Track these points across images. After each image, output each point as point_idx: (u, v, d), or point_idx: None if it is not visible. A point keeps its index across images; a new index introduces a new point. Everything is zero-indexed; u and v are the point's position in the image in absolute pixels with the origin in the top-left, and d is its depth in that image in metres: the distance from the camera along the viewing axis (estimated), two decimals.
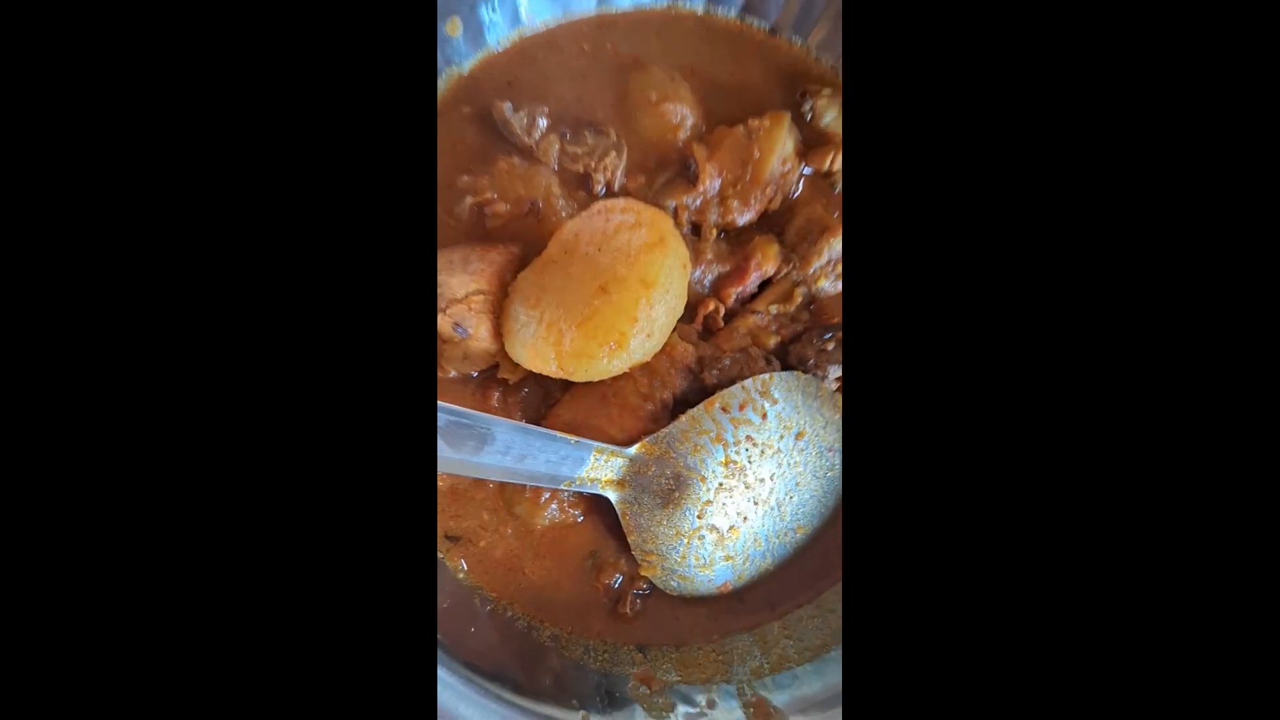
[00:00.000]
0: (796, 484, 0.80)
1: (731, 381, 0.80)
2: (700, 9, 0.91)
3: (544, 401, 0.83)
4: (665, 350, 0.80)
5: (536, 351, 0.75)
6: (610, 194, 0.85)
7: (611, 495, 0.79)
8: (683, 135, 0.87)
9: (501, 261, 0.79)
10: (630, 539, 0.79)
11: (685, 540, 0.78)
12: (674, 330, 0.80)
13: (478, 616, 0.79)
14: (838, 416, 0.81)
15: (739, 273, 0.84)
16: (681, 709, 0.74)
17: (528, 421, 0.79)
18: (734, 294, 0.84)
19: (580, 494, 0.81)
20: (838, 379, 0.82)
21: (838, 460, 0.82)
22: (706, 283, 0.84)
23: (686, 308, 0.80)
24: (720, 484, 0.78)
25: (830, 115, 0.87)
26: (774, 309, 0.84)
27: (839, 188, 0.87)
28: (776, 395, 0.79)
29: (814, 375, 0.81)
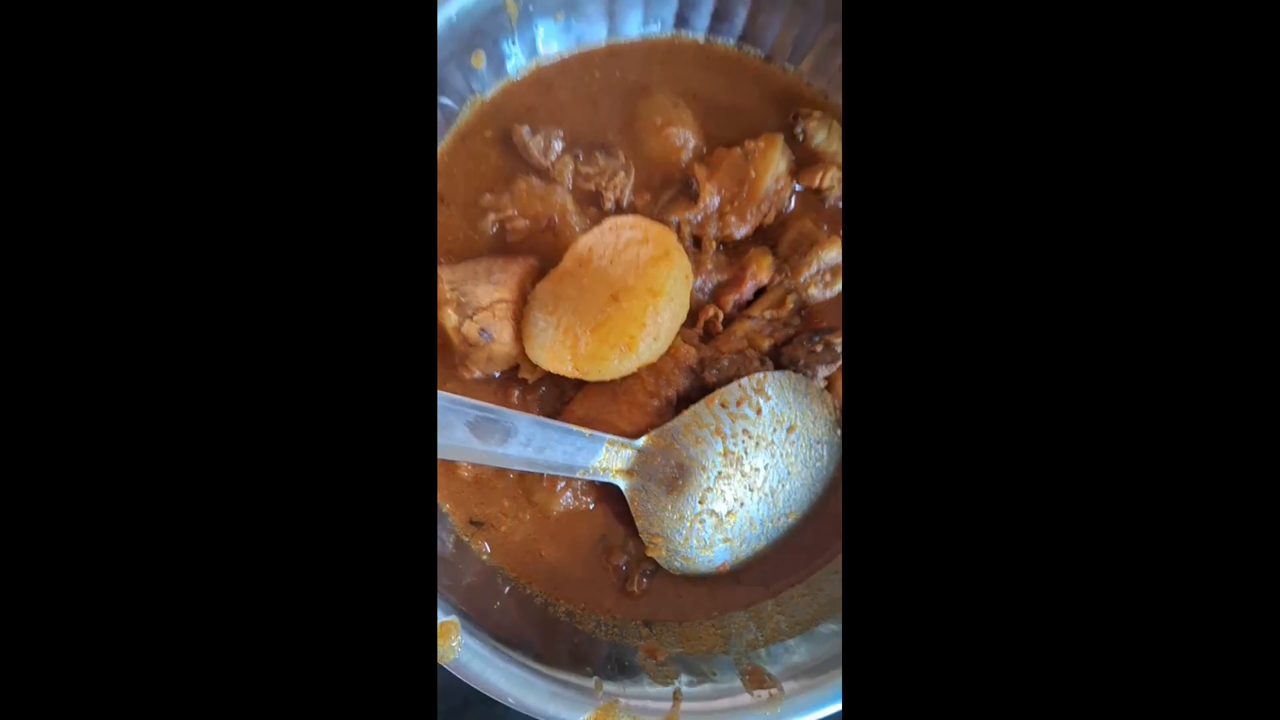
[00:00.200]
0: (788, 473, 0.85)
1: (730, 380, 0.84)
2: (701, 38, 0.95)
3: (559, 398, 0.87)
4: (670, 352, 0.84)
5: (554, 354, 0.80)
6: (619, 211, 0.89)
7: (621, 483, 0.83)
8: (685, 156, 0.91)
9: (521, 272, 0.84)
10: (638, 523, 0.84)
11: (688, 524, 0.83)
12: (678, 334, 0.84)
13: (500, 594, 0.84)
14: (826, 412, 0.86)
15: (736, 281, 0.88)
16: (684, 676, 0.79)
17: (545, 417, 0.83)
18: (732, 301, 0.88)
19: (592, 483, 0.86)
20: (826, 378, 0.86)
21: (825, 451, 0.86)
22: (707, 290, 0.88)
23: (689, 313, 0.84)
24: (720, 473, 0.83)
25: (820, 136, 0.91)
26: (768, 314, 0.88)
27: (828, 203, 0.91)
28: (770, 392, 0.84)
29: (804, 374, 0.85)
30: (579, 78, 0.93)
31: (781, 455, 0.85)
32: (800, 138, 0.92)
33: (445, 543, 0.84)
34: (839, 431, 0.87)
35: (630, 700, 0.76)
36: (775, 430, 0.84)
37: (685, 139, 0.91)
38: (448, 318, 0.82)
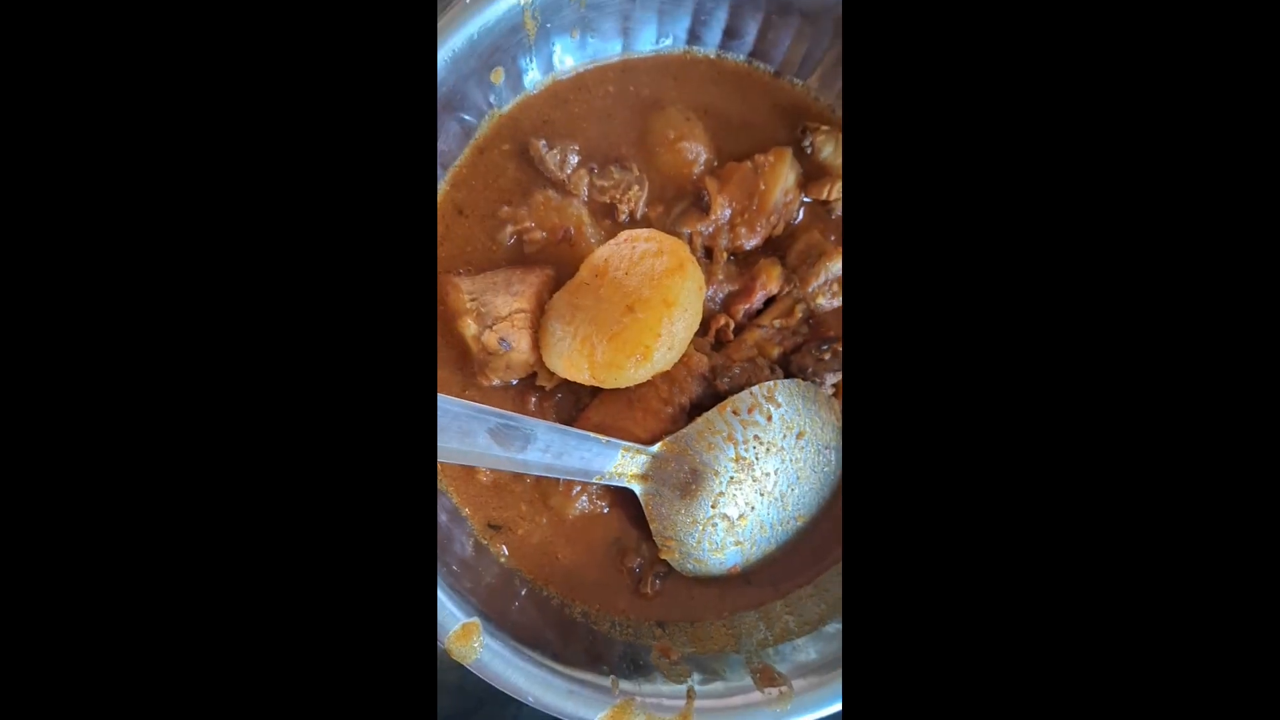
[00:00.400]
0: (797, 478, 0.87)
1: (741, 388, 0.86)
2: (713, 54, 0.97)
3: (575, 405, 0.89)
4: (683, 360, 0.85)
5: (571, 362, 0.82)
6: (633, 223, 0.91)
7: (636, 488, 0.86)
8: (697, 169, 0.93)
9: (539, 283, 0.86)
10: (652, 526, 0.86)
11: (700, 527, 0.85)
12: (690, 342, 0.85)
13: (518, 595, 0.86)
14: (833, 418, 0.88)
15: (746, 291, 0.90)
16: (696, 675, 0.81)
17: (561, 423, 0.85)
18: (742, 310, 0.90)
19: (607, 487, 0.88)
20: (834, 385, 0.88)
21: (833, 457, 0.88)
22: (718, 300, 0.90)
23: (700, 322, 0.85)
24: (731, 478, 0.85)
25: (828, 149, 0.93)
26: (777, 323, 0.90)
27: (835, 214, 0.93)
28: (780, 400, 0.86)
29: (813, 382, 0.88)
30: (594, 92, 0.95)
31: (791, 460, 0.87)
32: (808, 151, 0.94)
33: (465, 546, 0.87)
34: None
35: (645, 698, 0.78)
36: (785, 436, 0.87)
37: (697, 153, 0.93)
38: (467, 327, 0.84)
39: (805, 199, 0.94)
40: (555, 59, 0.93)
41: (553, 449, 0.81)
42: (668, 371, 0.86)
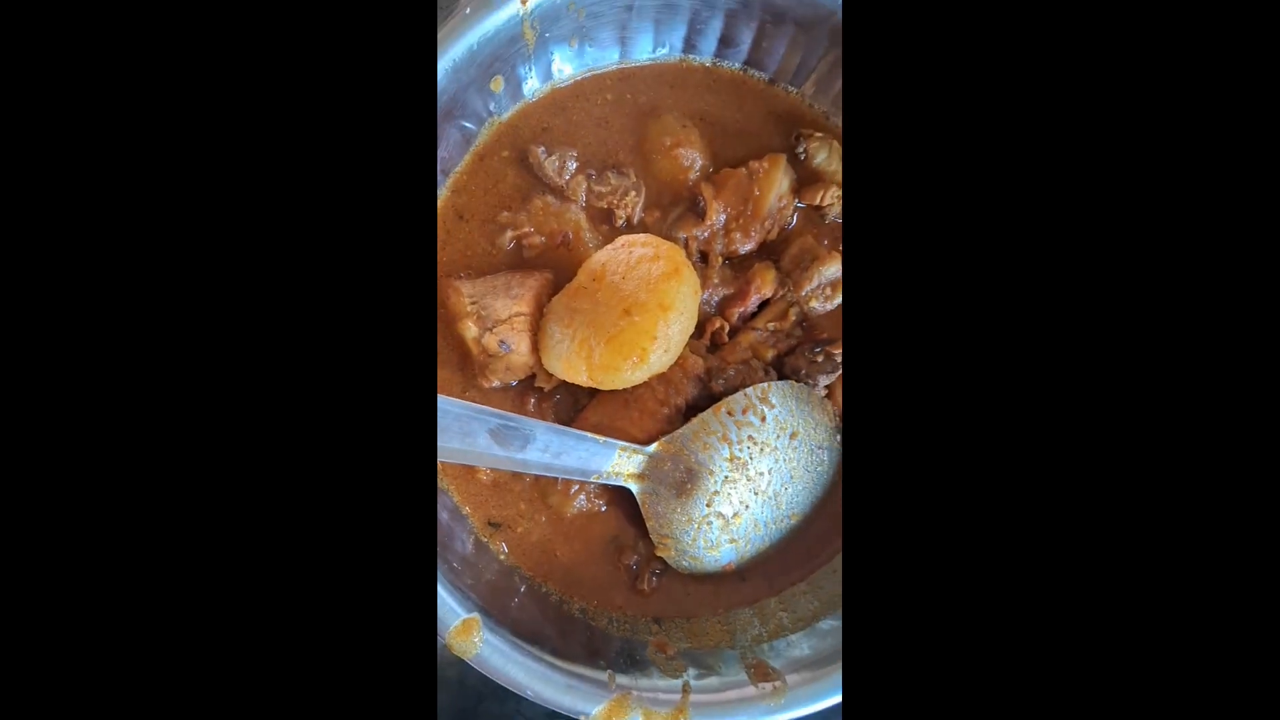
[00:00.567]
0: (791, 477, 0.89)
1: (735, 389, 0.88)
2: (708, 62, 0.98)
3: (573, 406, 0.90)
4: (678, 363, 0.87)
5: (570, 364, 0.83)
6: (630, 228, 0.93)
7: (633, 487, 0.87)
8: (693, 176, 0.94)
9: (538, 287, 0.88)
10: (649, 524, 0.87)
11: (696, 525, 0.87)
12: (686, 345, 0.87)
13: (517, 591, 0.87)
14: (826, 419, 0.90)
15: (741, 295, 0.91)
16: (692, 670, 0.82)
17: (559, 424, 0.86)
18: (737, 313, 0.91)
19: (605, 486, 0.89)
20: (827, 386, 0.90)
21: (826, 456, 0.90)
22: (713, 303, 0.92)
23: (696, 325, 0.87)
24: (726, 477, 0.87)
25: (821, 156, 0.94)
26: (771, 326, 0.92)
27: (829, 219, 0.95)
28: (774, 401, 0.87)
29: (806, 383, 0.89)
30: (592, 100, 0.97)
31: (785, 460, 0.89)
32: (802, 157, 0.95)
33: (465, 543, 0.88)
34: (838, 437, 0.91)
35: (642, 693, 0.79)
36: (779, 437, 0.88)
37: (693, 159, 0.95)
38: (468, 330, 0.86)
39: (799, 204, 0.95)
40: (554, 67, 0.94)
41: (551, 449, 0.83)
42: (664, 373, 0.87)
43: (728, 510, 0.88)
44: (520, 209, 0.93)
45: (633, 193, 0.93)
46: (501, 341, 0.86)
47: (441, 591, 0.79)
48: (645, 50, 0.97)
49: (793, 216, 0.95)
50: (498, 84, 0.90)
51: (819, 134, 0.96)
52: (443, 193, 0.93)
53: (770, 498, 0.89)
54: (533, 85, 0.95)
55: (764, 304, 0.93)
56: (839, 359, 0.90)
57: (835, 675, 0.80)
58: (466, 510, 0.91)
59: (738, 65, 0.99)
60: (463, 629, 0.78)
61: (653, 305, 0.82)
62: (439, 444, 0.77)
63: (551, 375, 0.88)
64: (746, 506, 0.89)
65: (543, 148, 0.92)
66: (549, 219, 0.92)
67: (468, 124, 0.92)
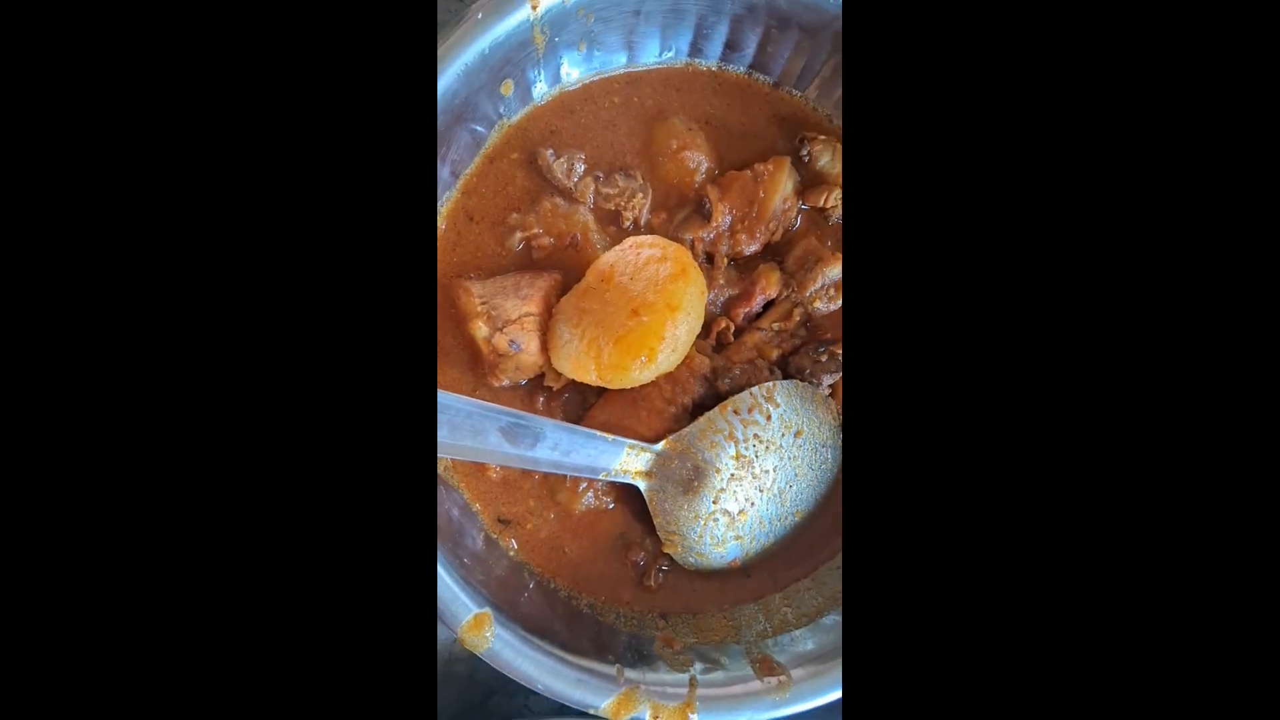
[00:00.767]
0: (795, 475, 0.90)
1: (741, 388, 0.89)
2: (714, 66, 0.99)
3: (581, 405, 0.91)
4: (685, 362, 0.88)
5: (579, 364, 0.84)
6: (637, 229, 0.93)
7: (641, 484, 0.88)
8: (699, 178, 0.95)
9: (547, 287, 0.89)
10: (656, 521, 0.89)
11: (702, 522, 0.88)
12: (692, 345, 0.88)
13: (526, 587, 0.88)
14: (830, 418, 0.91)
15: (746, 295, 0.93)
16: (698, 664, 0.83)
17: (567, 422, 0.87)
18: (742, 314, 0.92)
19: (612, 484, 0.90)
20: (830, 385, 0.91)
21: (830, 455, 0.91)
22: (719, 304, 0.93)
23: (702, 326, 0.88)
24: (732, 474, 0.88)
25: (825, 158, 0.95)
26: (776, 326, 0.93)
27: (833, 221, 0.95)
28: (779, 400, 0.89)
29: (810, 383, 0.90)
30: (600, 104, 0.97)
31: (789, 458, 0.90)
32: (806, 160, 0.96)
33: (476, 540, 0.89)
34: (841, 436, 0.93)
35: (650, 687, 0.80)
36: (784, 435, 0.90)
37: (699, 162, 0.96)
38: (479, 330, 0.87)
39: (803, 206, 0.96)
40: (563, 71, 0.95)
41: (561, 446, 0.84)
42: (671, 372, 0.88)
43: (733, 507, 0.89)
44: (529, 211, 0.93)
45: (640, 195, 0.94)
46: (511, 341, 0.87)
47: (454, 587, 0.80)
48: (652, 54, 0.98)
49: (797, 218, 0.96)
50: (508, 87, 0.91)
51: (823, 137, 0.96)
52: (453, 195, 0.94)
53: (775, 495, 0.90)
54: (541, 89, 0.95)
55: (769, 304, 0.94)
56: (842, 359, 0.91)
57: (839, 669, 0.81)
58: (477, 507, 0.92)
59: (743, 69, 1.00)
60: (475, 624, 0.79)
61: (661, 306, 0.84)
62: (451, 441, 0.78)
63: (560, 374, 0.89)
64: (752, 504, 0.90)
65: (551, 150, 0.94)
66: (557, 220, 0.93)
67: (478, 127, 0.93)
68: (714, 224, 0.93)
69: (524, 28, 0.86)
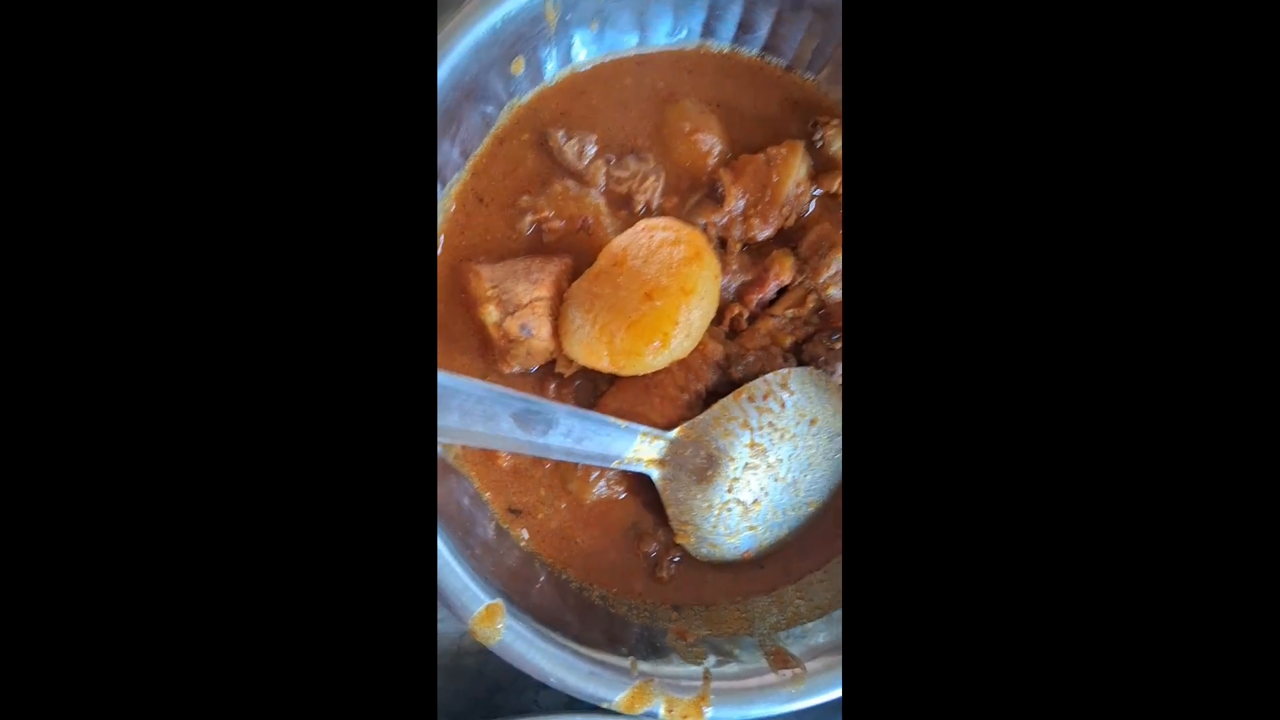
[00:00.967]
0: (809, 464, 0.89)
1: (754, 376, 0.87)
2: (726, 48, 0.98)
3: (593, 393, 0.90)
4: (698, 349, 0.86)
5: (591, 349, 0.83)
6: (649, 213, 0.92)
7: (653, 473, 0.87)
8: (712, 161, 0.94)
9: (558, 271, 0.87)
10: (669, 511, 0.87)
11: (716, 512, 0.87)
12: (705, 331, 0.87)
13: (538, 578, 0.87)
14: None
15: (759, 282, 0.91)
16: (712, 657, 0.82)
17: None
18: (756, 300, 0.91)
19: (624, 473, 0.89)
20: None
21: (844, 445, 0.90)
22: (732, 290, 0.92)
23: (715, 311, 0.87)
24: (746, 463, 0.86)
25: (839, 143, 0.94)
26: (790, 313, 0.91)
27: None
28: (794, 387, 0.87)
29: (824, 371, 0.89)
30: (611, 85, 0.96)
31: (804, 447, 0.89)
32: (819, 144, 0.95)
33: (487, 529, 0.88)
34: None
35: (663, 679, 0.79)
36: (799, 423, 0.88)
37: (712, 145, 0.94)
38: (489, 314, 0.85)
39: (816, 191, 0.95)
40: (574, 51, 0.94)
41: (574, 433, 0.82)
42: (684, 359, 0.87)
43: (747, 497, 0.88)
44: (540, 193, 0.92)
45: (652, 177, 0.92)
46: (522, 326, 0.85)
47: (465, 577, 0.78)
48: (663, 35, 0.96)
49: (810, 203, 0.95)
50: (519, 65, 0.89)
51: (835, 121, 0.95)
52: (463, 176, 0.92)
53: (789, 485, 0.89)
54: (552, 69, 0.94)
55: (783, 291, 0.93)
56: (842, 348, 0.90)
57: None
58: (487, 496, 0.90)
59: (755, 51, 0.99)
60: (486, 615, 0.77)
61: (674, 289, 0.82)
62: (463, 427, 0.76)
63: (571, 361, 0.87)
64: (766, 493, 0.88)
65: (562, 132, 0.92)
66: (568, 203, 0.91)
67: (488, 108, 0.91)
68: (727, 208, 0.92)
69: (536, 3, 0.85)
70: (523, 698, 0.92)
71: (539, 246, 0.92)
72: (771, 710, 0.79)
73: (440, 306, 0.89)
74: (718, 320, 0.90)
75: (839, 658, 0.81)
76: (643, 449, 0.86)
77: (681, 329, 0.83)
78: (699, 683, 0.79)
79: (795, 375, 0.88)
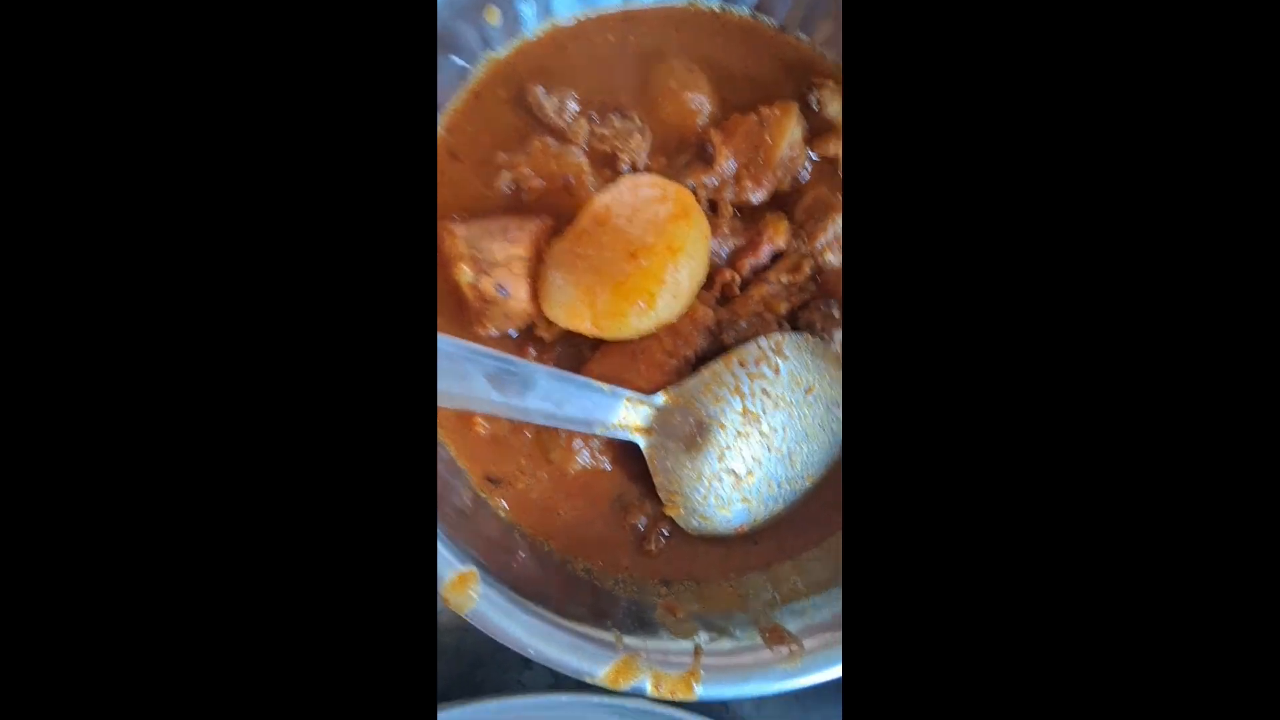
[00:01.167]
0: (805, 435, 0.85)
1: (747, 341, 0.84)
2: (716, 6, 0.95)
3: (577, 359, 0.86)
4: (688, 314, 0.83)
5: (573, 311, 0.80)
6: (635, 173, 0.89)
7: (640, 440, 0.83)
8: (701, 121, 0.91)
9: (537, 231, 0.84)
10: (656, 480, 0.83)
11: (706, 482, 0.83)
12: (695, 295, 0.84)
13: (517, 549, 0.83)
14: (841, 375, 0.86)
15: (753, 246, 0.88)
16: (704, 632, 0.79)
17: None
18: (748, 265, 0.88)
19: (609, 442, 0.86)
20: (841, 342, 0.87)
21: (841, 415, 0.86)
22: (723, 254, 0.88)
23: (706, 276, 0.84)
24: (738, 431, 0.82)
25: (834, 106, 0.92)
26: (784, 279, 0.88)
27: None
28: (788, 353, 0.84)
29: (821, 339, 0.86)
30: (594, 41, 0.94)
31: (799, 417, 0.85)
32: (815, 107, 0.93)
33: (463, 497, 0.84)
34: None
35: (651, 654, 0.75)
36: (793, 391, 0.84)
37: (701, 104, 0.92)
38: (463, 273, 0.82)
39: (812, 155, 0.92)
40: (554, 2, 0.91)
41: (553, 396, 0.79)
42: (672, 325, 0.84)
43: (740, 468, 0.84)
44: (518, 150, 0.89)
45: (637, 135, 0.89)
46: (499, 286, 0.82)
47: (437, 543, 0.74)
48: None
49: (806, 167, 0.92)
50: (492, 14, 0.87)
51: (831, 83, 0.93)
52: (436, 131, 0.90)
53: (784, 456, 0.85)
54: (531, 22, 0.92)
55: (777, 256, 0.90)
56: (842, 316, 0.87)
57: None
58: (463, 464, 0.86)
59: (747, 10, 0.96)
60: (458, 582, 0.73)
61: (660, 248, 0.79)
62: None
63: (553, 324, 0.84)
64: (759, 464, 0.84)
65: (542, 88, 0.89)
66: (549, 161, 0.88)
67: (458, 59, 0.88)
68: (717, 169, 0.89)
69: None
70: (505, 676, 0.88)
71: (518, 206, 0.88)
72: (767, 688, 0.75)
73: None
74: (709, 286, 0.87)
75: (839, 635, 0.77)
76: (628, 415, 0.82)
77: (668, 289, 0.79)
78: (689, 658, 0.76)
79: (790, 340, 0.85)
